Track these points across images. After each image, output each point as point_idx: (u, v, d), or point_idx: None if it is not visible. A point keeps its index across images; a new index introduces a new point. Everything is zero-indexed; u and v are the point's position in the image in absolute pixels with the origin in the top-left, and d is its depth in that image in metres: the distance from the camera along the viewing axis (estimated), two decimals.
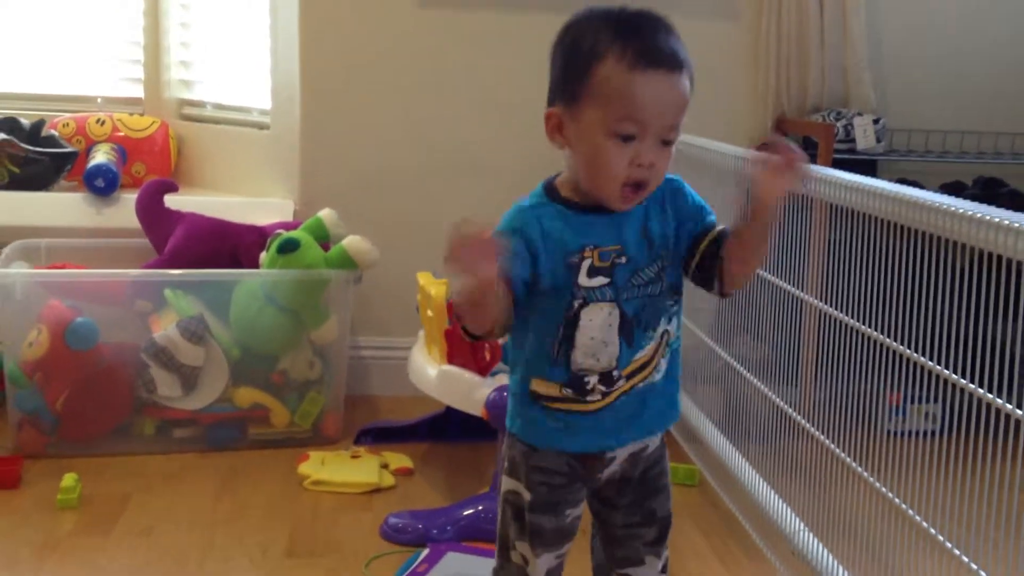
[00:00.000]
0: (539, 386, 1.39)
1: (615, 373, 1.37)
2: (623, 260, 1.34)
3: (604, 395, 1.38)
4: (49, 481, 2.37)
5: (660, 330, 1.40)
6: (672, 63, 1.28)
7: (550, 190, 1.38)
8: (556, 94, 1.34)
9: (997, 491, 1.37)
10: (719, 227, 1.39)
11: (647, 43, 1.27)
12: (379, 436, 2.75)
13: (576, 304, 1.34)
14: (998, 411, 1.37)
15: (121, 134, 3.24)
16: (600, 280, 1.34)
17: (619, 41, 1.27)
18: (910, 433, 2.50)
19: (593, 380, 1.37)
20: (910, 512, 1.60)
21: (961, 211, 1.36)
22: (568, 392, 1.38)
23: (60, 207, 2.99)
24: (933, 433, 1.58)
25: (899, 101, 3.22)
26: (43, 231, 2.91)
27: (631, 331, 1.36)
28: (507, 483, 1.46)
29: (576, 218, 1.34)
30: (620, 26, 1.29)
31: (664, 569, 1.51)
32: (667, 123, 1.28)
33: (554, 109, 1.33)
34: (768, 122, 3.13)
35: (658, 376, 1.41)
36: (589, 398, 1.38)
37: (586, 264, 1.34)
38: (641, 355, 1.38)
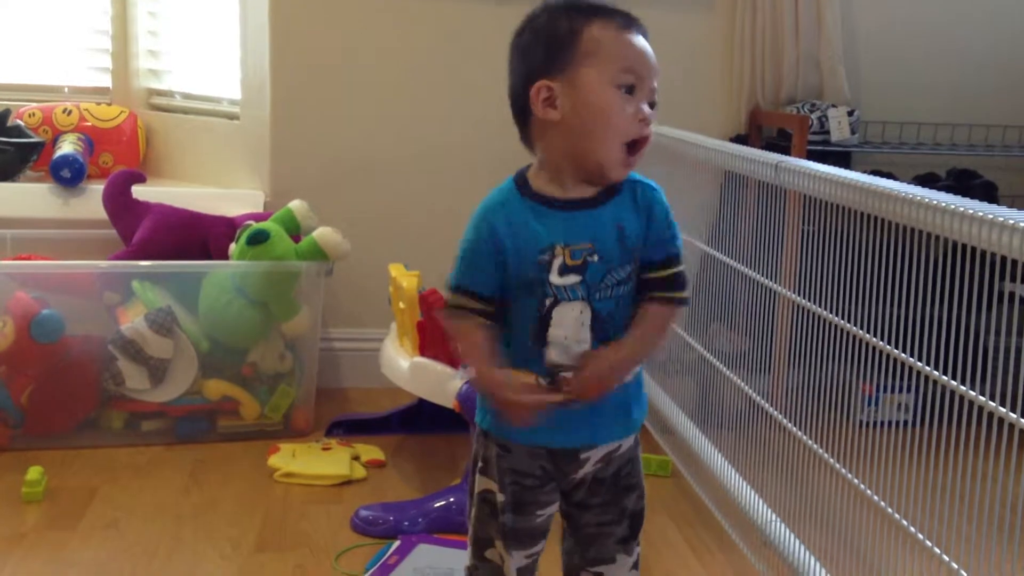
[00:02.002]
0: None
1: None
2: (595, 258, 1.33)
3: None
4: (14, 474, 2.33)
5: None
6: (644, 31, 1.35)
7: (521, 184, 1.36)
8: (539, 72, 1.32)
9: (969, 482, 1.36)
10: (673, 269, 1.38)
11: (621, 13, 1.34)
12: (351, 428, 2.73)
13: (548, 302, 1.33)
14: (971, 403, 1.36)
15: (88, 124, 3.19)
16: (572, 278, 1.33)
17: (596, 13, 1.32)
18: (884, 423, 2.53)
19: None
20: (881, 503, 1.60)
21: (934, 203, 1.36)
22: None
23: (26, 198, 2.94)
24: (907, 423, 1.57)
25: (873, 93, 3.22)
26: (8, 222, 2.87)
27: (605, 331, 1.35)
28: (481, 482, 1.44)
29: (548, 214, 1.33)
30: (590, 6, 1.34)
31: (635, 566, 1.49)
32: (652, 83, 1.34)
33: (543, 82, 1.31)
34: (742, 114, 3.13)
35: (630, 376, 1.40)
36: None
37: (557, 262, 1.32)
38: None
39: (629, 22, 1.34)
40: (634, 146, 1.32)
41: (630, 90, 1.31)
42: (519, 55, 1.36)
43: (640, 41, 1.33)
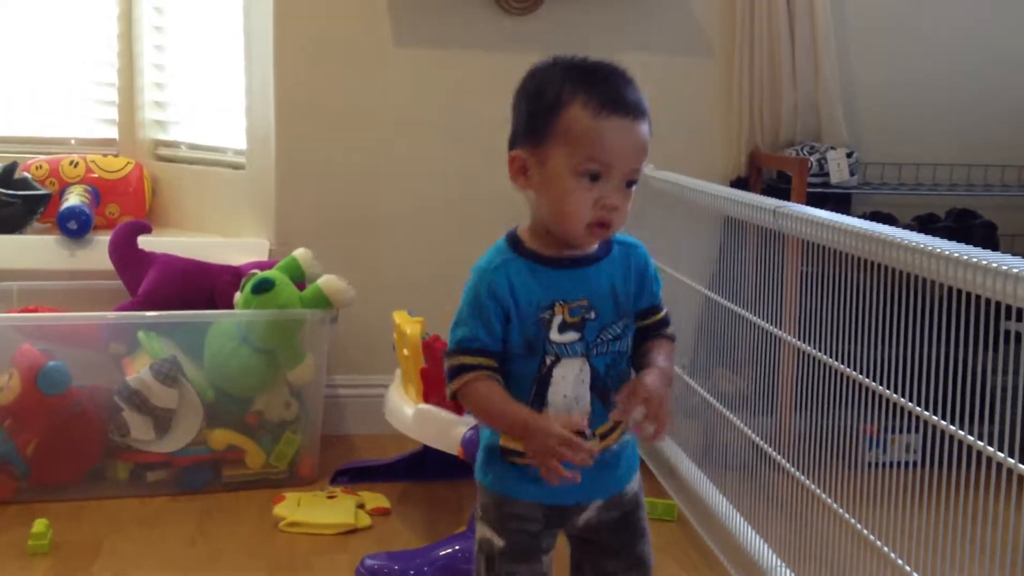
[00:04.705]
0: (509, 442, 1.38)
1: (587, 432, 1.35)
2: (592, 315, 1.35)
3: None
4: (20, 527, 2.33)
5: None
6: (635, 111, 1.31)
7: (515, 243, 1.38)
8: (519, 137, 1.35)
9: (972, 525, 1.36)
10: (663, 312, 1.43)
11: (611, 92, 1.31)
12: (356, 476, 2.72)
13: (548, 360, 1.35)
14: (969, 447, 1.37)
15: (95, 175, 3.22)
16: (571, 336, 1.35)
17: (584, 88, 1.30)
18: (890, 465, 2.52)
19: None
20: (884, 548, 1.60)
21: (933, 249, 1.37)
22: None
23: (33, 249, 2.97)
24: (915, 464, 1.58)
25: (872, 134, 3.24)
26: (15, 274, 2.89)
27: (604, 388, 1.37)
28: (480, 530, 1.45)
29: (545, 273, 1.35)
30: (584, 75, 1.32)
31: None
32: (629, 167, 1.31)
33: (518, 152, 1.34)
34: (742, 157, 3.15)
35: (627, 435, 1.42)
36: None
37: (557, 320, 1.34)
38: (615, 413, 1.37)
39: (614, 101, 1.30)
40: (598, 226, 1.32)
41: (596, 176, 1.29)
42: (513, 107, 1.38)
43: (620, 126, 1.30)
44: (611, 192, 1.30)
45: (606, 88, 1.31)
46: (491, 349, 1.34)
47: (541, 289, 1.34)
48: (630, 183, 1.32)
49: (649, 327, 1.43)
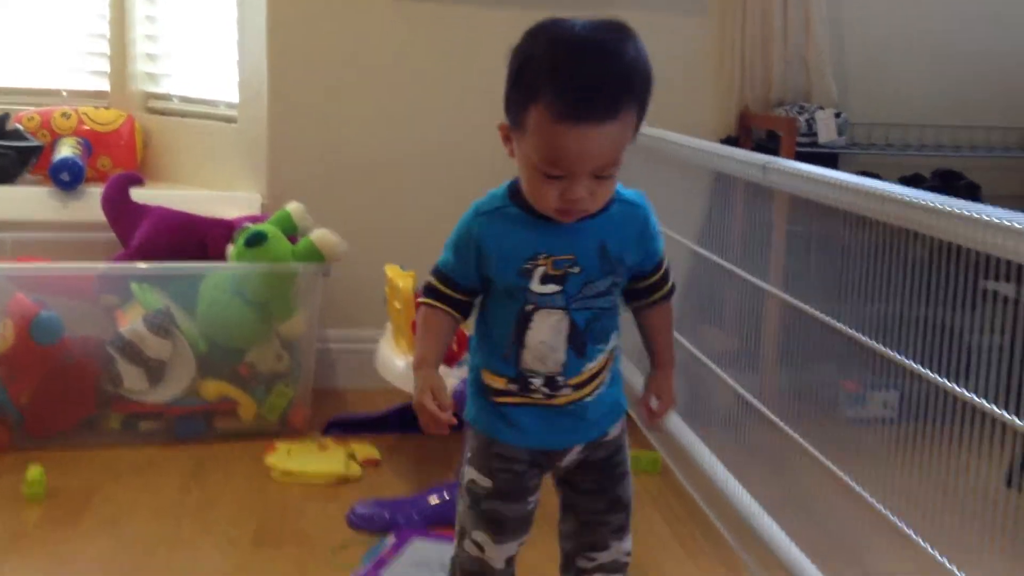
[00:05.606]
0: (488, 378, 1.44)
1: (559, 379, 1.41)
2: (576, 270, 1.37)
3: (547, 396, 1.42)
4: (14, 474, 2.36)
5: (611, 344, 1.44)
6: (602, 113, 1.24)
7: (513, 192, 1.39)
8: (505, 104, 1.33)
9: (952, 476, 1.40)
10: (663, 270, 1.48)
11: (580, 92, 1.23)
12: (347, 428, 2.75)
13: (528, 308, 1.38)
14: (953, 397, 1.40)
15: (87, 128, 3.22)
16: (552, 287, 1.37)
17: (555, 83, 1.23)
18: (870, 420, 2.55)
19: (537, 382, 1.41)
20: (866, 496, 1.64)
21: (918, 201, 1.39)
22: (513, 387, 1.42)
23: (25, 201, 2.98)
24: (892, 420, 1.62)
25: (860, 95, 3.26)
26: (8, 225, 2.91)
27: (582, 341, 1.40)
28: (468, 472, 1.49)
29: (534, 224, 1.37)
30: (563, 62, 1.25)
31: (628, 553, 1.54)
32: (592, 167, 1.27)
33: (504, 124, 1.34)
34: (732, 116, 3.17)
35: (604, 387, 1.46)
36: (533, 395, 1.42)
37: (539, 271, 1.37)
38: (591, 366, 1.42)
39: (578, 107, 1.23)
40: (566, 212, 1.32)
41: (557, 176, 1.28)
42: (508, 64, 1.32)
43: (581, 135, 1.24)
44: (576, 187, 1.28)
45: (578, 84, 1.23)
46: (458, 283, 1.42)
47: (528, 239, 1.37)
48: (602, 177, 1.29)
49: (653, 285, 1.48)
